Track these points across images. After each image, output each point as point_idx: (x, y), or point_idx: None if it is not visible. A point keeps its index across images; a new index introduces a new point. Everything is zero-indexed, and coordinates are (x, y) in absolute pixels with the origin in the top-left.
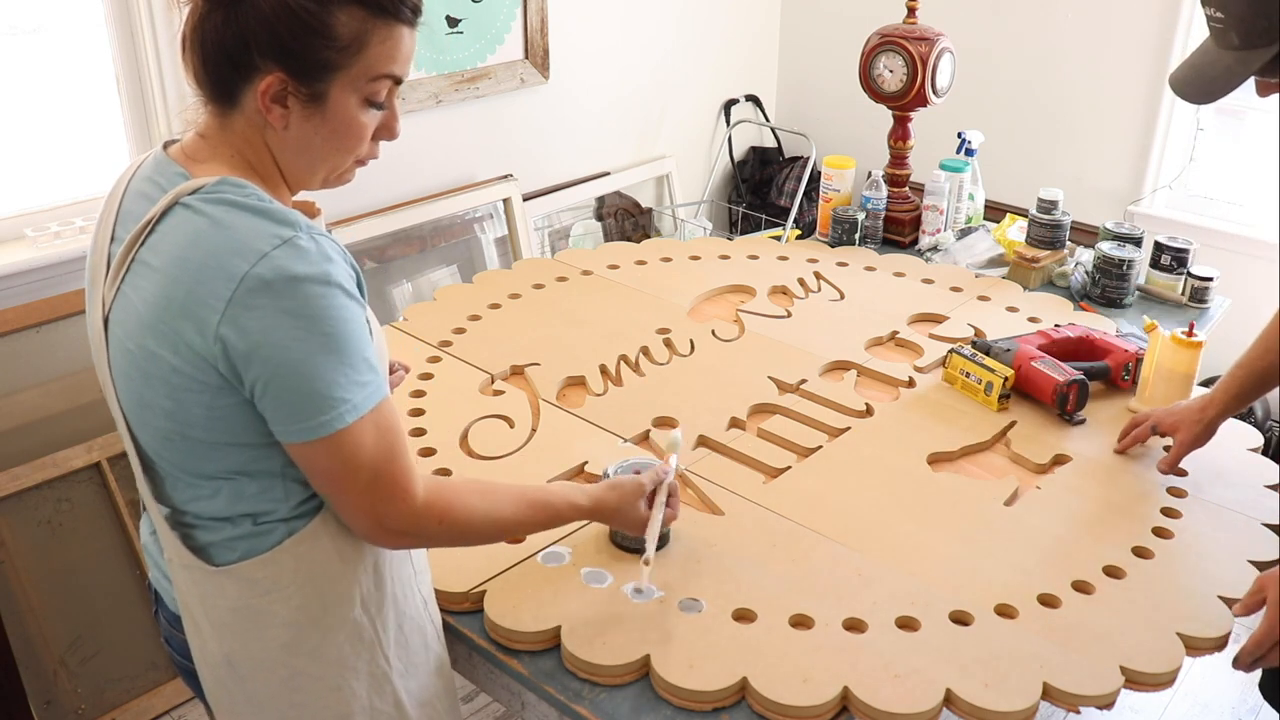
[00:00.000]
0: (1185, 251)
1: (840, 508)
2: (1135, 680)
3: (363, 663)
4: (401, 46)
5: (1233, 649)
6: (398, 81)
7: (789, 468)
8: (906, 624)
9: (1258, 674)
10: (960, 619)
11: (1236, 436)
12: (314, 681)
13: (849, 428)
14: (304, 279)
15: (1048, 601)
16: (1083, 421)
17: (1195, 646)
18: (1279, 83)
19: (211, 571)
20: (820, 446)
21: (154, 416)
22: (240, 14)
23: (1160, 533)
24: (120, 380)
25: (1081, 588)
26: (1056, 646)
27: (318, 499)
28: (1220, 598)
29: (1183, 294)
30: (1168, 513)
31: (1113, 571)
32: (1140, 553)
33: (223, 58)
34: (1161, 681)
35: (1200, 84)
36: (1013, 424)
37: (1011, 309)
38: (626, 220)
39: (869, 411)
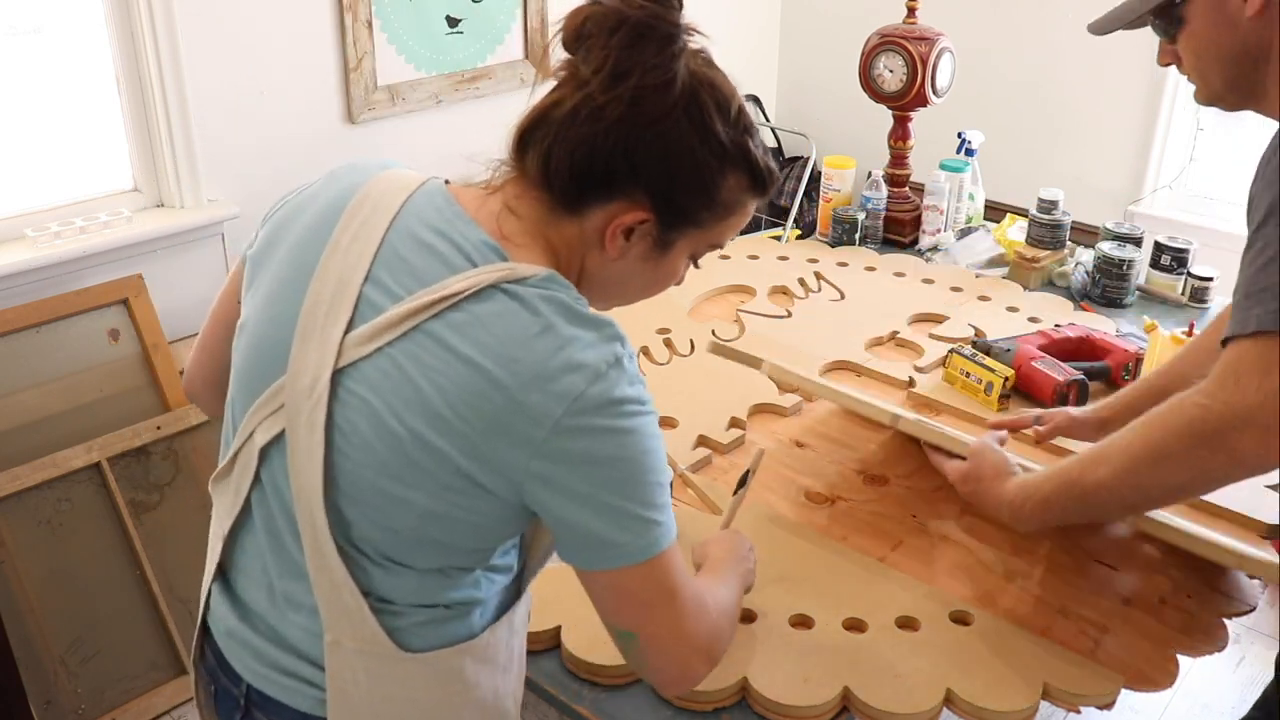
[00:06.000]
0: (1185, 251)
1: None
2: (1135, 680)
3: None
4: (746, 221)
5: (1233, 650)
6: (719, 248)
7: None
8: (906, 624)
9: (1257, 675)
10: (960, 619)
11: None
12: None
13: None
14: (632, 400)
15: (1048, 601)
16: None
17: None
18: (1174, 48)
19: (402, 658)
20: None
21: (395, 506)
22: (644, 142)
23: None
24: (355, 453)
25: (1082, 587)
26: (1056, 646)
27: (508, 579)
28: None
29: (1183, 294)
30: None
31: (1113, 570)
32: (1140, 552)
33: (598, 172)
34: (1162, 681)
35: (1104, 19)
36: None
37: (1011, 309)
38: None
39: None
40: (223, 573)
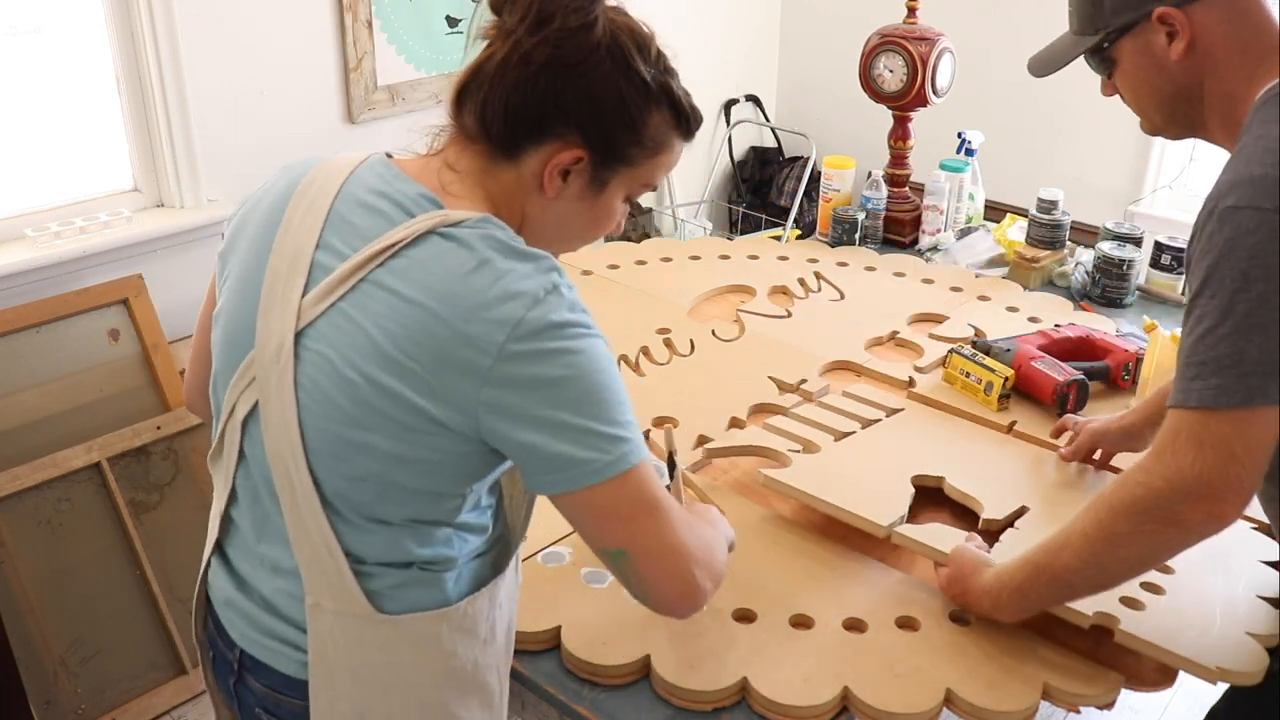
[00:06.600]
0: (1185, 251)
1: (838, 494)
2: (1135, 680)
3: None
4: (675, 160)
5: None
6: (653, 189)
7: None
8: (906, 624)
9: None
10: (960, 619)
11: None
12: None
13: (853, 431)
14: (574, 324)
15: None
16: None
17: None
18: (1112, 83)
19: (379, 620)
20: (821, 449)
21: (359, 453)
22: (571, 83)
23: None
24: (317, 406)
25: None
26: (1057, 646)
27: (484, 545)
28: None
29: (1183, 294)
30: None
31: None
32: None
33: (532, 116)
34: (1161, 682)
35: (1041, 59)
36: (1013, 424)
37: (1011, 309)
38: (626, 220)
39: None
40: (220, 547)
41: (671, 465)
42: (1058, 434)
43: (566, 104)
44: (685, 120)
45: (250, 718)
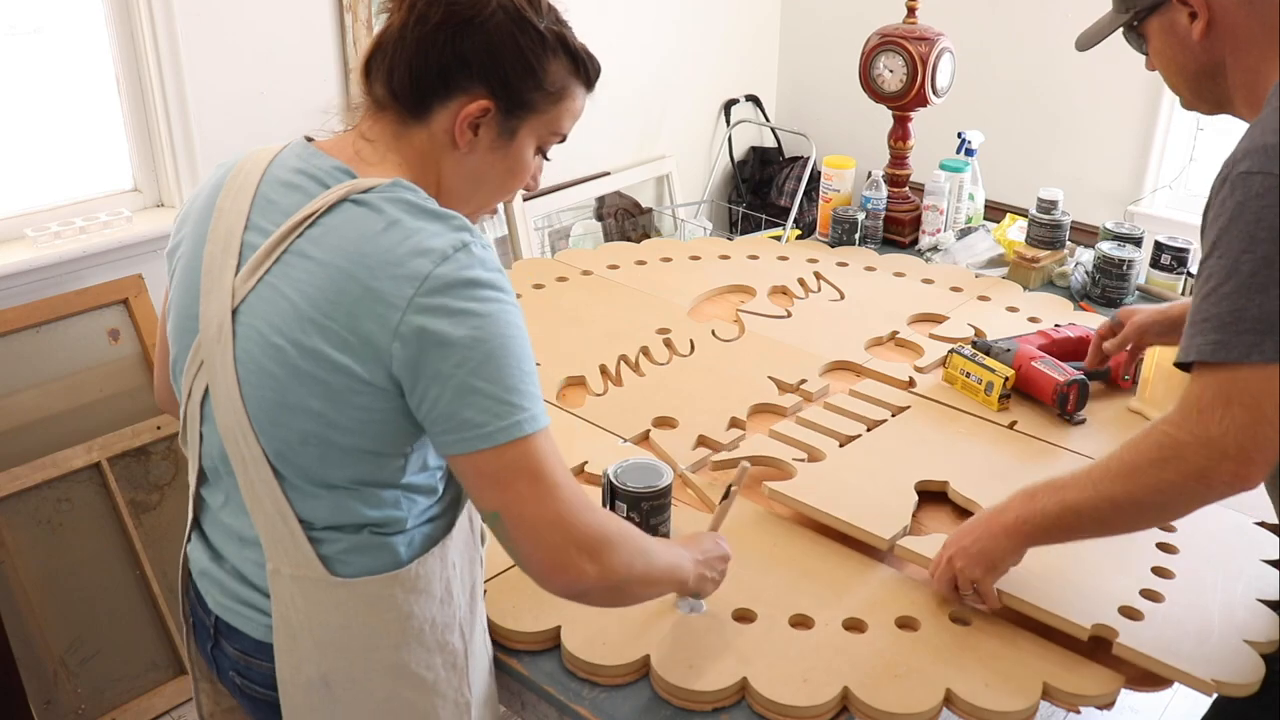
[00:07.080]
0: (1185, 251)
1: (843, 507)
2: (1135, 680)
3: (452, 689)
4: (579, 107)
5: None
6: (563, 139)
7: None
8: (906, 624)
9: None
10: (960, 619)
11: None
12: (407, 707)
13: (858, 435)
14: (486, 284)
15: None
16: (1083, 421)
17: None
18: (1151, 58)
19: (334, 583)
20: (826, 455)
21: (295, 417)
22: (468, 36)
23: (1165, 548)
24: (254, 377)
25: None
26: (1056, 646)
27: (436, 509)
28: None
29: (1183, 294)
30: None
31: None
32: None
33: (436, 72)
34: (1161, 682)
35: (1085, 34)
36: (1013, 424)
37: (1011, 309)
38: (626, 220)
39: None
40: (197, 522)
41: (726, 494)
42: (1109, 334)
43: (467, 56)
44: (584, 67)
45: (227, 682)
